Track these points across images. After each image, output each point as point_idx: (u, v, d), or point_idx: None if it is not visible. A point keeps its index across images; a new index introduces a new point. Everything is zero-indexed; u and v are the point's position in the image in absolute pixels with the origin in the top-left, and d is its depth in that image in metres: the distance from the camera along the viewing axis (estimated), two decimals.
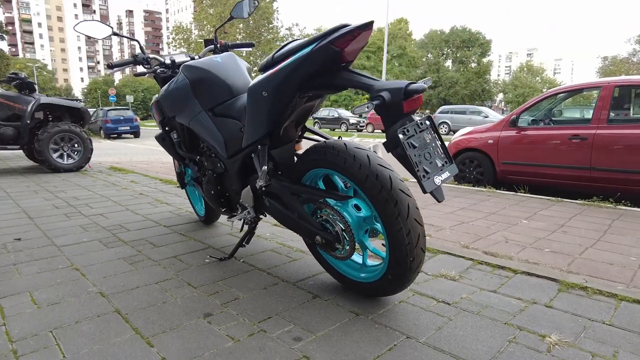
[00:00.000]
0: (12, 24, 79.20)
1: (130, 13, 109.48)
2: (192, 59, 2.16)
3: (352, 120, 22.62)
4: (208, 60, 1.86)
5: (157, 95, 2.13)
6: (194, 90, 1.83)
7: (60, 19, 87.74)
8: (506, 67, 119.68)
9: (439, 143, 1.22)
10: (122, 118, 16.83)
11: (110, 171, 5.45)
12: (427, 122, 1.21)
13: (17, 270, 1.85)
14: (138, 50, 2.17)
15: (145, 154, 8.74)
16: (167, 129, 2.21)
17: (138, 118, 18.67)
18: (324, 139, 1.56)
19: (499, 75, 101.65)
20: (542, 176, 4.47)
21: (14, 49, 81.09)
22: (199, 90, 1.82)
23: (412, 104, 1.13)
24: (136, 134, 17.30)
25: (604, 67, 39.45)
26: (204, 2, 47.40)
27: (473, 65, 47.98)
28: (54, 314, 1.43)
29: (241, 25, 47.32)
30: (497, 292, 1.69)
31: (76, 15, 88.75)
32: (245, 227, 2.20)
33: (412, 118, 1.17)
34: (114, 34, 1.92)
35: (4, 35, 31.29)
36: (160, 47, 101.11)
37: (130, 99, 30.86)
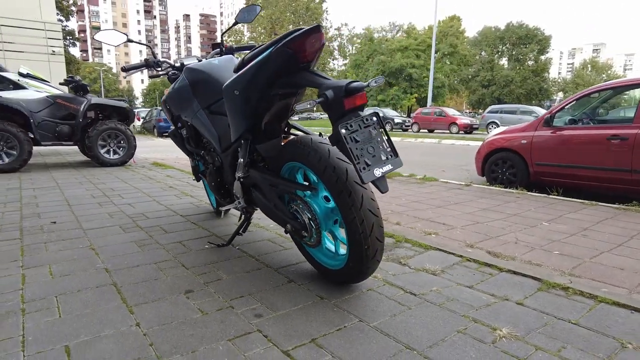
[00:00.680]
0: (84, 31, 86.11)
1: (187, 17, 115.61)
2: (200, 61, 2.35)
3: (397, 120, 22.39)
4: (207, 62, 2.04)
5: (164, 95, 2.35)
6: (193, 90, 2.01)
7: (125, 25, 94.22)
8: (568, 64, 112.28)
9: (385, 138, 1.29)
10: None
11: (152, 166, 5.88)
12: (374, 119, 1.29)
13: (46, 247, 2.14)
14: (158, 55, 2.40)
15: None
16: (179, 125, 2.42)
17: None
18: (304, 135, 1.67)
19: (559, 73, 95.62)
20: (577, 178, 4.25)
21: (84, 55, 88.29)
22: (197, 90, 2.00)
23: (353, 101, 1.22)
24: None
25: None
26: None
27: (530, 62, 45.53)
28: (63, 283, 1.66)
29: (290, 27, 48.35)
30: (473, 287, 1.71)
31: (138, 21, 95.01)
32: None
33: (358, 114, 1.26)
34: (129, 40, 2.15)
35: (76, 42, 34.19)
36: None
37: None
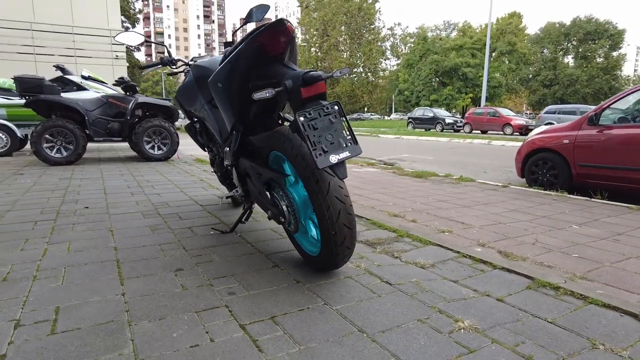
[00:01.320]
0: (149, 36, 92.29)
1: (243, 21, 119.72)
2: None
3: (448, 120, 21.72)
4: (211, 59, 2.17)
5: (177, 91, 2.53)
6: (198, 85, 2.16)
7: (185, 29, 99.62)
8: None
9: (345, 125, 1.32)
10: None
11: (193, 162, 6.22)
12: (336, 107, 1.32)
13: (73, 228, 2.38)
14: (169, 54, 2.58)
15: None
16: (194, 119, 2.59)
17: None
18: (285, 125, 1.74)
19: (635, 70, 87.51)
20: (625, 181, 3.92)
21: (149, 59, 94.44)
22: (201, 85, 2.14)
23: (311, 90, 1.27)
24: None
25: None
26: (309, 6, 49.41)
27: (599, 60, 42.19)
28: (74, 257, 1.86)
29: (343, 28, 48.44)
30: (458, 282, 1.69)
31: (198, 25, 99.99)
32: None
33: (319, 102, 1.31)
34: (146, 41, 2.34)
35: (140, 47, 36.78)
36: None
37: None
